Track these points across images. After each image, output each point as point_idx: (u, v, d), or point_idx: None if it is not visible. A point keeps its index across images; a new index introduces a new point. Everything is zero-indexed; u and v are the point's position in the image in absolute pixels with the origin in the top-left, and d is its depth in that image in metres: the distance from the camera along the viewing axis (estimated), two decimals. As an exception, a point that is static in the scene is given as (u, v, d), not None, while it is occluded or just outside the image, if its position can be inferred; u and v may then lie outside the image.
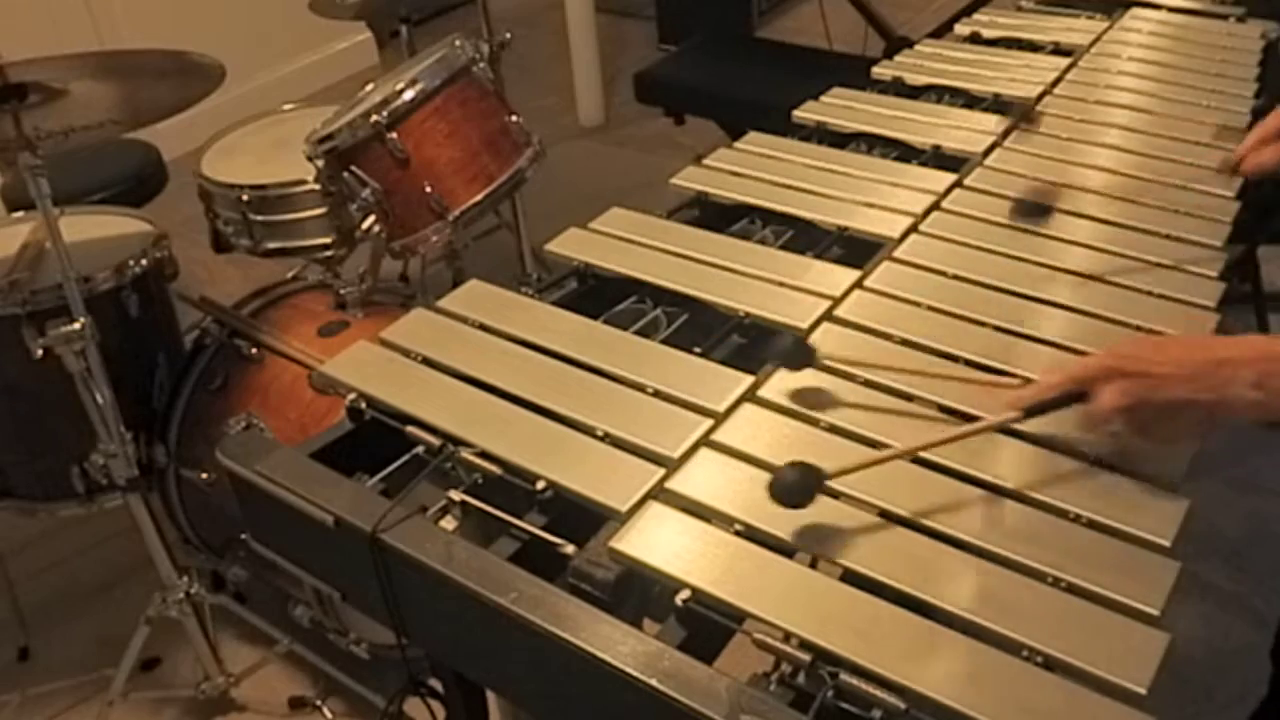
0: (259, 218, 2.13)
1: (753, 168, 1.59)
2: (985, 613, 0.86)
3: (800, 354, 1.11)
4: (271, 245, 2.16)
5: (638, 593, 0.95)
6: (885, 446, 1.04)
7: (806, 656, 0.84)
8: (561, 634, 0.88)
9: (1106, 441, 0.98)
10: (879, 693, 0.82)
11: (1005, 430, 1.04)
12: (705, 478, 1.01)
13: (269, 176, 2.12)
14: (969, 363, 1.15)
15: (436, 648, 1.10)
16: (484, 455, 1.05)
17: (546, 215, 2.02)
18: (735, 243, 1.41)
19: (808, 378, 1.13)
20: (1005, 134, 1.58)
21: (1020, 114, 1.42)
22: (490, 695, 1.21)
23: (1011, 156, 1.58)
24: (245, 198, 2.11)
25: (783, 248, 1.42)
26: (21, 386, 1.91)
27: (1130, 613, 0.86)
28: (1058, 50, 1.98)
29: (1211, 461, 0.99)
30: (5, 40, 2.01)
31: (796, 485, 0.93)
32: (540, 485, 1.01)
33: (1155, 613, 0.86)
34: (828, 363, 1.13)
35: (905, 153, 1.65)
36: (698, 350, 1.19)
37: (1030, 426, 1.03)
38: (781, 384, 1.12)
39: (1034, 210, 1.35)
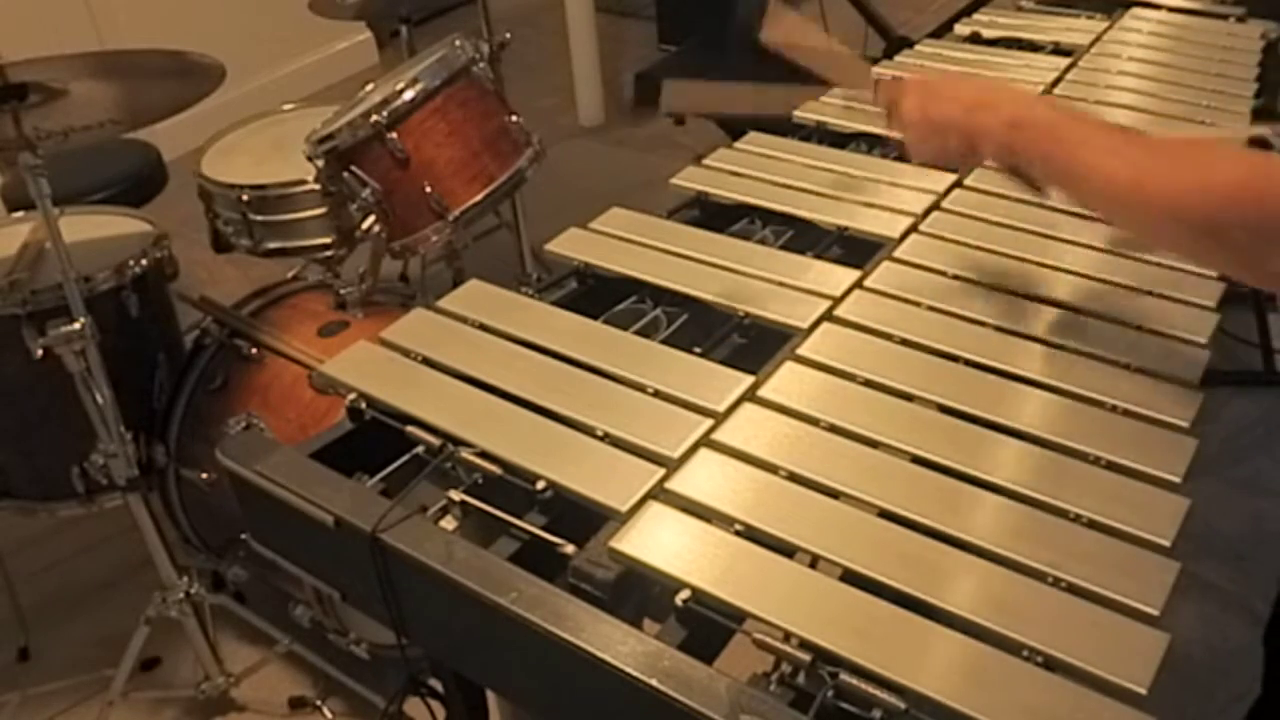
0: (259, 218, 2.13)
1: (753, 168, 1.59)
2: (985, 613, 0.87)
3: None
4: (271, 245, 2.16)
5: (638, 593, 0.95)
6: (885, 447, 1.05)
7: (806, 656, 0.84)
8: (561, 634, 0.88)
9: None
10: (879, 693, 0.82)
11: (1006, 430, 1.04)
12: (705, 478, 1.01)
13: (269, 176, 2.12)
14: (969, 363, 1.15)
15: (436, 648, 1.10)
16: (484, 455, 1.05)
17: (546, 215, 2.02)
18: (735, 243, 1.41)
19: (808, 376, 1.13)
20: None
21: None
22: (490, 695, 1.21)
23: (1011, 156, 1.58)
24: (245, 198, 2.11)
25: (783, 248, 1.42)
26: (21, 386, 1.90)
27: (1130, 613, 0.86)
28: (1058, 50, 1.98)
29: (1211, 461, 0.99)
30: (5, 40, 2.01)
31: None
32: (540, 485, 1.01)
33: (1155, 613, 0.86)
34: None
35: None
36: (698, 350, 1.20)
37: (1030, 425, 1.04)
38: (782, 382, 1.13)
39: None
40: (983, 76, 1.18)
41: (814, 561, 0.94)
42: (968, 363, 1.15)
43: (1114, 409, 1.08)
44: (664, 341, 1.23)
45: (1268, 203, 0.88)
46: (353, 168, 1.94)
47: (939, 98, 1.11)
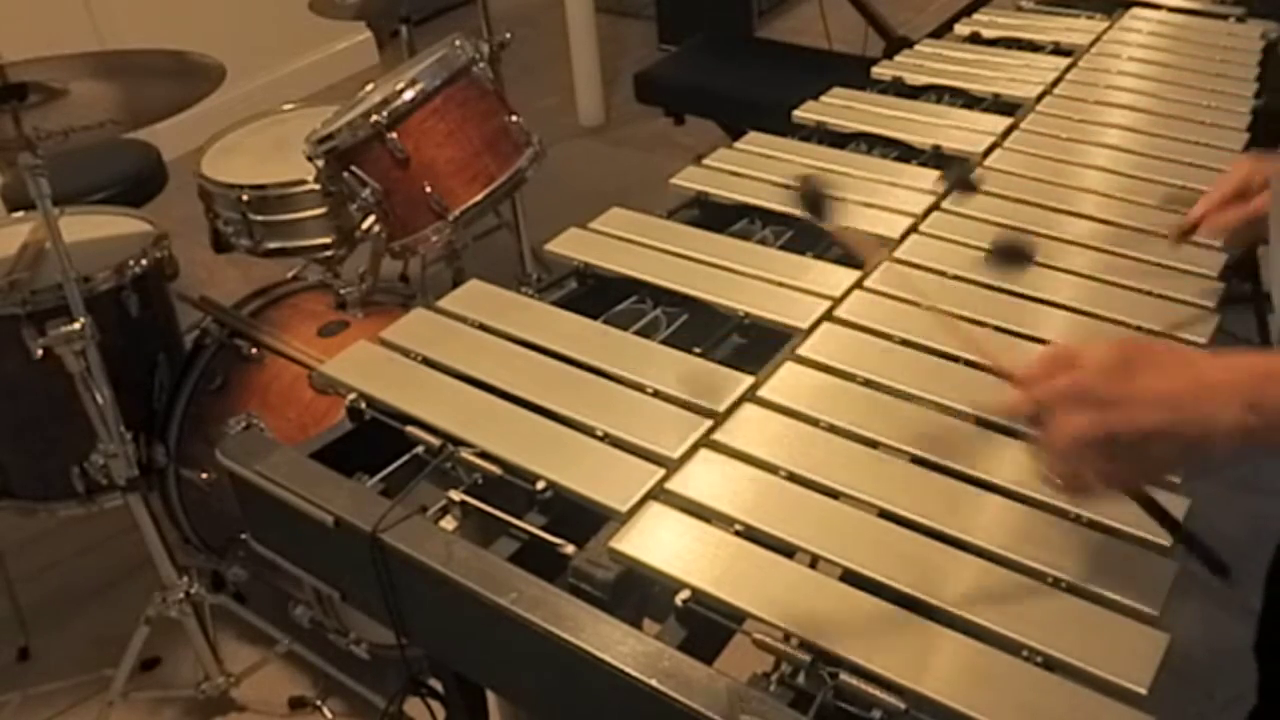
0: (259, 218, 2.13)
1: (753, 168, 1.59)
2: (985, 613, 0.87)
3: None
4: (271, 245, 2.16)
5: (638, 593, 0.95)
6: (886, 447, 1.04)
7: (806, 656, 0.84)
8: (561, 634, 0.88)
9: (1051, 489, 0.85)
10: (879, 693, 0.82)
11: (1006, 430, 1.04)
12: (705, 478, 1.01)
13: (269, 176, 2.12)
14: (969, 363, 1.15)
15: (436, 648, 1.10)
16: (484, 455, 1.05)
17: (546, 215, 2.02)
18: (735, 243, 1.41)
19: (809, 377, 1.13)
20: (943, 196, 1.45)
21: (958, 178, 1.36)
22: (490, 695, 1.21)
23: (1011, 156, 1.58)
24: (245, 198, 2.11)
25: (783, 248, 1.42)
26: (21, 386, 1.90)
27: (1130, 613, 0.86)
28: (1058, 50, 1.98)
29: (1211, 461, 0.99)
30: (5, 40, 2.01)
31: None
32: (540, 485, 1.01)
33: (1155, 613, 0.86)
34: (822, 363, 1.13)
35: (905, 153, 1.65)
36: (698, 350, 1.19)
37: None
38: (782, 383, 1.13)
39: (1011, 257, 1.19)
40: (1134, 343, 0.82)
41: (814, 561, 0.94)
42: (968, 363, 1.15)
43: (1114, 409, 1.07)
44: (664, 341, 1.23)
45: None
46: (353, 168, 1.94)
47: (1123, 402, 0.77)
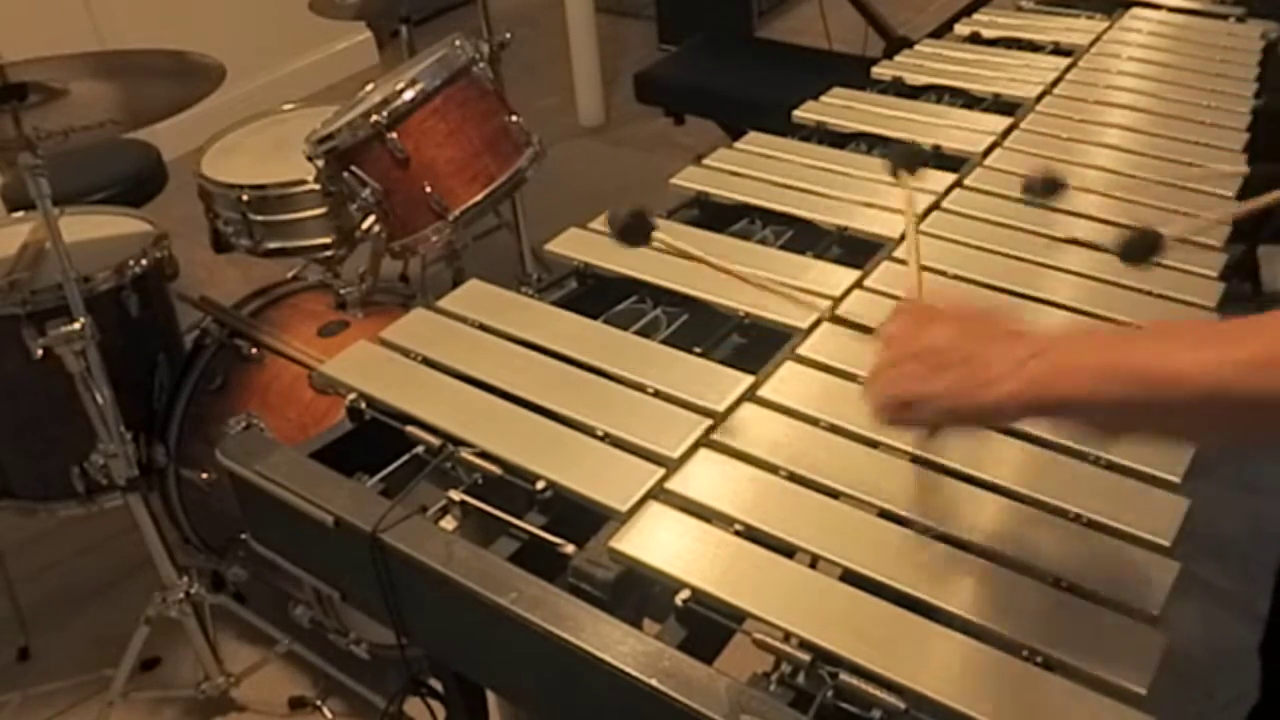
0: (259, 218, 2.13)
1: (753, 168, 1.59)
2: (985, 613, 0.87)
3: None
4: (271, 245, 2.16)
5: (638, 593, 0.95)
6: (886, 447, 1.04)
7: (806, 656, 0.84)
8: (561, 634, 0.88)
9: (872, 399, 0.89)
10: (879, 693, 0.82)
11: (1005, 430, 1.04)
12: (705, 478, 1.01)
13: (269, 176, 2.12)
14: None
15: (436, 648, 1.10)
16: (484, 455, 1.05)
17: (546, 215, 2.02)
18: (735, 243, 1.41)
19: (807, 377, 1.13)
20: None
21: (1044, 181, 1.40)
22: (490, 695, 1.21)
23: (1011, 156, 1.58)
24: (245, 198, 2.11)
25: (783, 248, 1.42)
26: (21, 386, 1.90)
27: (1130, 613, 0.86)
28: (1058, 50, 1.98)
29: (1211, 462, 0.99)
30: (5, 40, 2.01)
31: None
32: (540, 485, 1.01)
33: (1155, 613, 0.86)
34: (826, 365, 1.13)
35: (905, 152, 1.65)
36: (698, 350, 1.19)
37: (1030, 425, 1.04)
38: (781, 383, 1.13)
39: (1047, 187, 1.36)
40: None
41: (814, 561, 0.94)
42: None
43: (1114, 409, 1.07)
44: (664, 341, 1.23)
45: None
46: (353, 168, 1.94)
47: (939, 321, 0.87)
